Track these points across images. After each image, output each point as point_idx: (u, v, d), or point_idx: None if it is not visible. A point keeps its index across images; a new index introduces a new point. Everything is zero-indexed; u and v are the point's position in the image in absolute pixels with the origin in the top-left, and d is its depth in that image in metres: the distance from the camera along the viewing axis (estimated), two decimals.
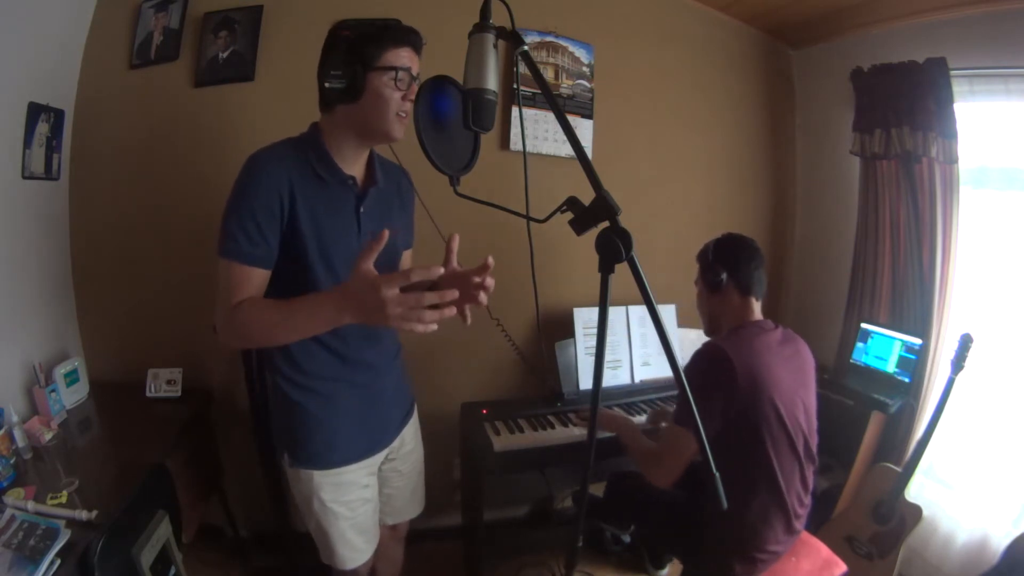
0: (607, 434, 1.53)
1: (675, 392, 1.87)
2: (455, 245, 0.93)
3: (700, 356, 1.29)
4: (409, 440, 1.32)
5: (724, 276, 1.35)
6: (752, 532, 1.28)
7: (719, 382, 1.21)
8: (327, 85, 0.99)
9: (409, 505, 1.38)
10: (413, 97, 0.99)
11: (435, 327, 0.77)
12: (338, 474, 1.14)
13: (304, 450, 1.12)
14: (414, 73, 1.01)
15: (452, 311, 0.78)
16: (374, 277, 0.76)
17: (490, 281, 0.91)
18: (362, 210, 1.07)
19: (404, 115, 1.02)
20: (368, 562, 1.26)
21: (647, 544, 2.00)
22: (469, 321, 0.89)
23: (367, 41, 0.97)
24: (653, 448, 1.36)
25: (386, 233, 0.78)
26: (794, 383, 1.29)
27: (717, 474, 0.64)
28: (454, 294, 0.76)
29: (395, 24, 1.00)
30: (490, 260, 0.91)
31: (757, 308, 1.37)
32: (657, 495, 1.44)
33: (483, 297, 0.90)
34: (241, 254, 0.94)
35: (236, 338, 0.96)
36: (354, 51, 0.97)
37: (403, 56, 0.99)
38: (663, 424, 1.76)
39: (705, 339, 2.02)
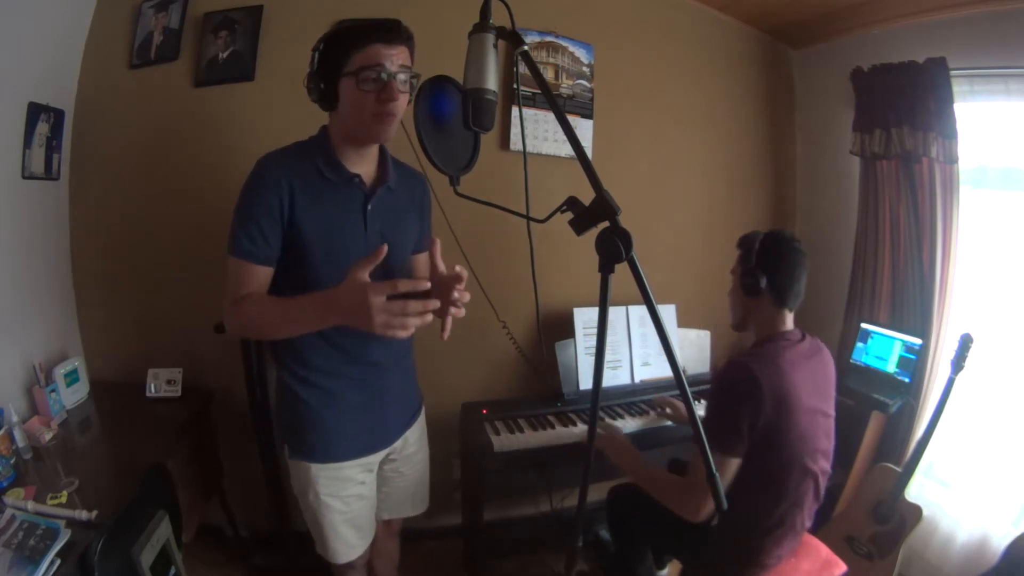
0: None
1: (676, 391, 1.86)
2: (437, 250, 0.98)
3: (727, 375, 1.23)
4: (413, 442, 1.31)
5: (763, 283, 1.26)
6: (758, 545, 1.27)
7: (746, 403, 1.16)
8: (310, 97, 1.02)
9: (406, 505, 1.37)
10: (391, 95, 0.95)
11: (412, 331, 0.84)
12: (335, 468, 1.14)
13: (303, 442, 1.13)
14: (391, 68, 0.95)
15: (430, 317, 0.85)
16: (363, 283, 0.83)
17: (466, 296, 0.95)
18: (369, 208, 1.07)
19: (386, 115, 0.97)
20: (363, 556, 1.26)
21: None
22: (446, 336, 0.95)
23: (333, 47, 0.97)
24: (680, 480, 1.28)
25: (384, 248, 0.84)
26: (817, 399, 1.25)
27: (717, 474, 0.64)
28: (435, 304, 0.85)
29: (356, 24, 0.96)
30: (459, 270, 0.94)
31: (789, 319, 1.31)
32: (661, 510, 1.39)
33: (457, 311, 0.95)
34: (244, 252, 0.99)
35: (240, 329, 1.03)
36: (324, 60, 0.98)
37: (372, 55, 0.94)
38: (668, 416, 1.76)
39: (703, 331, 2.05)
